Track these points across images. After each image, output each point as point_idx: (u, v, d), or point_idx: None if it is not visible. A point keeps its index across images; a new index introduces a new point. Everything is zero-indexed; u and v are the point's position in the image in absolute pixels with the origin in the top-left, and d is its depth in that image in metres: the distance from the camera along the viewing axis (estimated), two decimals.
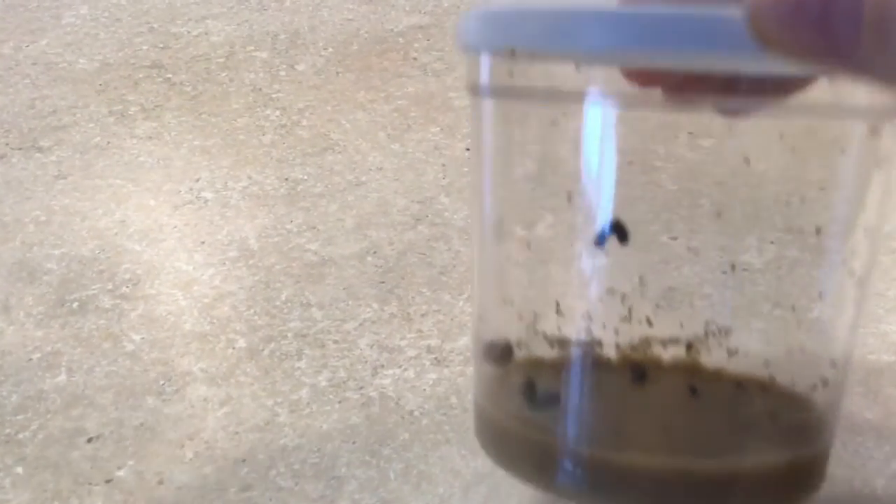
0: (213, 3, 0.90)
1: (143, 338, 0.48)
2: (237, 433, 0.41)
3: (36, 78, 0.76)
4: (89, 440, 0.41)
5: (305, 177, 0.62)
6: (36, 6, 0.91)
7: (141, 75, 0.77)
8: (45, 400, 0.44)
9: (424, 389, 0.44)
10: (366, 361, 0.46)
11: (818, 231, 0.29)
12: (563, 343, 0.32)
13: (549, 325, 0.32)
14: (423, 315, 0.49)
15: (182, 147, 0.66)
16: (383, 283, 0.51)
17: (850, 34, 0.20)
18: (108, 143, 0.67)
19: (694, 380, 0.31)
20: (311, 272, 0.52)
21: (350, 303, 0.50)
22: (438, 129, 0.67)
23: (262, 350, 0.46)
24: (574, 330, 0.32)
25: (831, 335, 0.31)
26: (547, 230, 0.33)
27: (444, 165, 0.62)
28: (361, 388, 0.44)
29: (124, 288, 0.51)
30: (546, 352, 0.32)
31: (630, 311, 0.31)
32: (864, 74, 0.21)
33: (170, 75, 0.76)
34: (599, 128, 0.28)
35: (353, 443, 0.40)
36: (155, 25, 0.86)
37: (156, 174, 0.63)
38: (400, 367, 0.45)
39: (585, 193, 0.30)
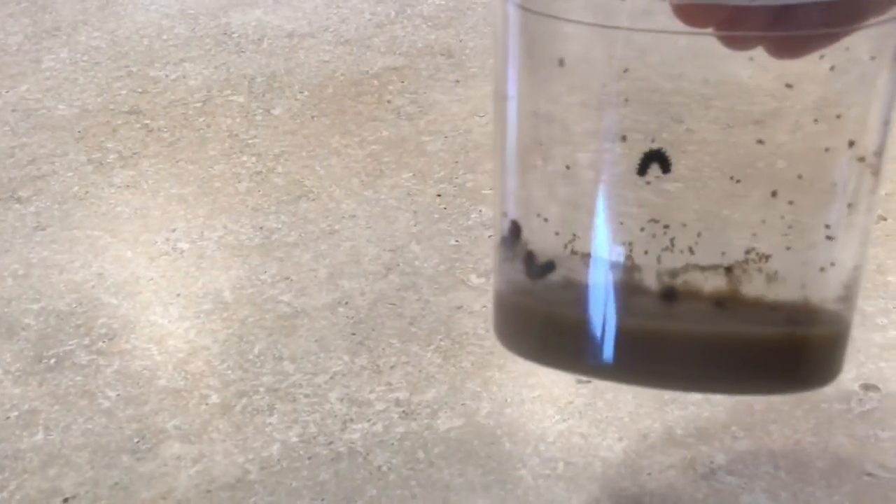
0: (191, 45, 0.92)
1: (118, 394, 0.49)
2: (209, 491, 0.42)
3: (15, 125, 0.78)
4: (65, 500, 0.42)
5: (280, 225, 0.63)
6: (16, 50, 0.92)
7: (119, 121, 0.78)
8: (22, 459, 0.45)
9: (392, 444, 0.45)
10: (336, 416, 0.47)
11: (851, 144, 0.30)
12: (598, 262, 0.32)
13: (586, 246, 0.32)
14: (392, 367, 0.50)
15: (159, 196, 0.67)
16: (354, 334, 0.53)
17: None
18: (87, 192, 0.68)
19: (723, 298, 0.32)
20: (283, 324, 0.54)
21: (321, 355, 0.51)
22: (411, 174, 0.69)
23: (235, 406, 0.48)
24: (613, 253, 0.32)
25: (857, 245, 0.32)
26: (587, 154, 0.33)
27: (415, 213, 0.64)
28: (331, 443, 0.45)
29: (101, 343, 0.53)
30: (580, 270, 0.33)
31: (672, 240, 0.32)
32: None
33: (148, 121, 0.78)
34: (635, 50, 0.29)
35: (322, 500, 0.42)
36: (133, 69, 0.87)
37: (133, 224, 0.64)
38: (369, 420, 0.46)
39: (621, 118, 0.31)
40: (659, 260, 0.32)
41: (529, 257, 0.33)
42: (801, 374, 0.32)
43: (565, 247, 0.33)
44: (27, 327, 0.54)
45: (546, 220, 0.33)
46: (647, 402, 0.47)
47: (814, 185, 0.32)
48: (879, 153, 0.31)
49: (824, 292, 0.32)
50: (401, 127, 0.75)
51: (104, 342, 0.53)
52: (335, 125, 0.76)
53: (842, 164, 0.31)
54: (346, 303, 0.55)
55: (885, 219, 0.60)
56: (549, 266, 0.33)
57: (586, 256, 0.32)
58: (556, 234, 0.33)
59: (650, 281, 0.32)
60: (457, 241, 0.61)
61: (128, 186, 0.68)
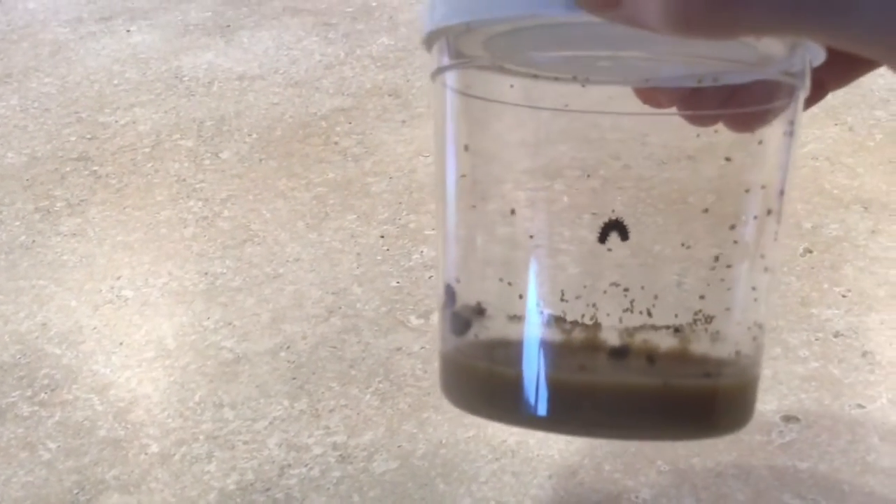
0: (141, 89, 0.93)
1: (58, 446, 0.49)
2: None
3: None
4: None
5: (224, 270, 0.64)
6: None
7: (68, 168, 0.79)
8: None
9: (328, 488, 0.46)
10: (273, 462, 0.48)
11: (769, 212, 0.32)
12: (560, 321, 0.34)
13: (552, 308, 0.34)
14: (330, 411, 0.51)
15: (105, 243, 0.68)
16: (295, 378, 0.54)
17: None
18: (33, 241, 0.68)
19: (653, 354, 0.34)
20: (225, 370, 0.54)
21: (261, 401, 0.52)
22: (355, 216, 0.70)
23: (174, 454, 0.48)
24: (573, 313, 0.34)
25: (768, 301, 0.35)
26: (549, 220, 0.35)
27: (358, 255, 0.65)
28: (268, 489, 0.46)
29: (42, 394, 0.53)
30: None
31: (632, 303, 0.34)
32: (642, 27, 0.22)
33: (96, 167, 0.79)
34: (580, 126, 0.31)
35: None
36: (83, 115, 0.88)
37: (78, 273, 0.65)
38: (306, 465, 0.47)
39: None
40: (620, 320, 0.34)
41: (455, 317, 0.35)
42: (718, 420, 0.34)
43: (506, 308, 0.35)
44: None
45: (488, 280, 0.35)
46: (576, 439, 0.48)
47: (746, 246, 0.34)
48: (780, 212, 0.33)
49: (746, 347, 0.35)
50: (347, 168, 0.77)
51: (46, 393, 0.53)
52: (282, 168, 0.77)
53: (759, 218, 0.33)
54: (288, 347, 0.56)
55: (810, 251, 0.62)
56: (468, 323, 0.34)
57: (521, 318, 0.34)
58: (491, 291, 0.35)
59: (608, 340, 0.34)
60: (398, 282, 0.62)
61: (74, 234, 0.69)
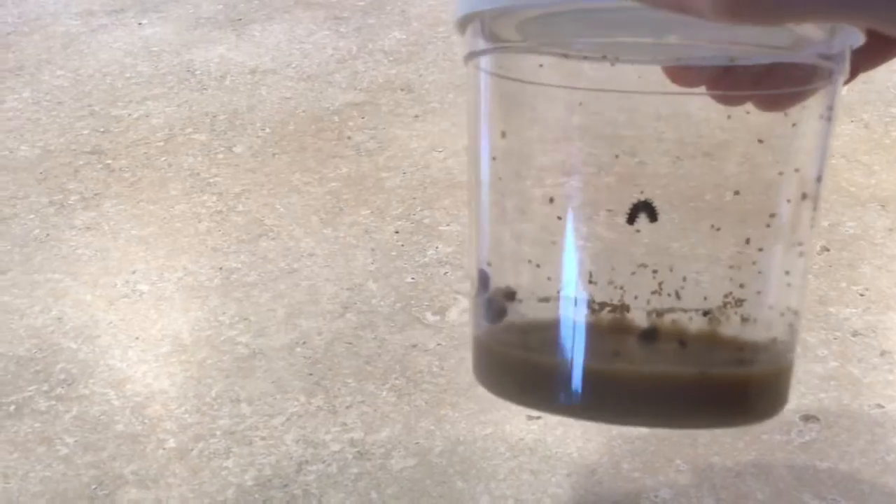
0: (153, 83, 0.93)
1: (76, 440, 0.49)
2: None
3: None
4: None
5: (239, 265, 0.64)
6: None
7: (81, 162, 0.79)
8: None
9: (346, 485, 0.46)
10: (291, 458, 0.48)
11: (804, 196, 0.32)
12: (590, 303, 0.34)
13: (582, 289, 0.34)
14: (347, 407, 0.51)
15: (120, 237, 0.68)
16: (311, 374, 0.54)
17: None
18: (48, 234, 0.68)
19: (686, 338, 0.34)
20: (241, 366, 0.54)
21: (278, 397, 0.52)
22: (369, 211, 0.70)
23: (192, 450, 0.48)
24: (602, 295, 0.34)
25: (803, 287, 0.35)
26: (577, 204, 0.35)
27: (373, 250, 0.65)
28: (286, 485, 0.46)
29: (59, 389, 0.53)
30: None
31: (660, 285, 0.34)
32: (690, 12, 0.22)
33: (110, 161, 0.78)
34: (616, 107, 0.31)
35: None
36: (96, 108, 0.88)
37: (93, 267, 0.64)
38: (324, 462, 0.47)
39: (606, 172, 0.33)
40: (648, 302, 0.34)
41: (490, 303, 0.35)
42: (753, 407, 0.34)
43: (537, 290, 0.35)
44: None
45: (520, 263, 0.35)
46: (594, 437, 0.48)
47: (779, 230, 0.34)
48: (817, 197, 0.33)
49: (781, 333, 0.34)
50: (360, 163, 0.77)
51: (63, 388, 0.53)
52: (296, 162, 0.77)
53: (793, 203, 0.33)
54: (304, 343, 0.56)
55: (827, 249, 0.62)
56: (503, 310, 0.34)
57: (549, 300, 0.34)
58: (522, 273, 0.35)
59: (636, 321, 0.34)
60: (413, 278, 0.62)
61: (89, 228, 0.69)
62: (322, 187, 0.73)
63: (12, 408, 0.52)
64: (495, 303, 0.34)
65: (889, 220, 0.65)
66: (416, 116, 0.84)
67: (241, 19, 1.09)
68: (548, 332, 0.35)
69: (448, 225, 0.67)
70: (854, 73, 0.33)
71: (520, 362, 0.34)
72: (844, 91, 0.35)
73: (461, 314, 0.58)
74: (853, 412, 0.49)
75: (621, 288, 0.34)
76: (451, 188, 0.72)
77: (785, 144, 0.34)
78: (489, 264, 0.35)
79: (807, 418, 0.49)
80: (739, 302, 0.34)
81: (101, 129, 0.84)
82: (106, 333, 0.58)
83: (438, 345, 0.56)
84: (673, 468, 0.46)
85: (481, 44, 0.32)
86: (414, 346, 0.56)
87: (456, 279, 0.61)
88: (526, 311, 0.35)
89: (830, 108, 0.32)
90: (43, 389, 0.53)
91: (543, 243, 0.35)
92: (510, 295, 0.36)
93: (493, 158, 0.35)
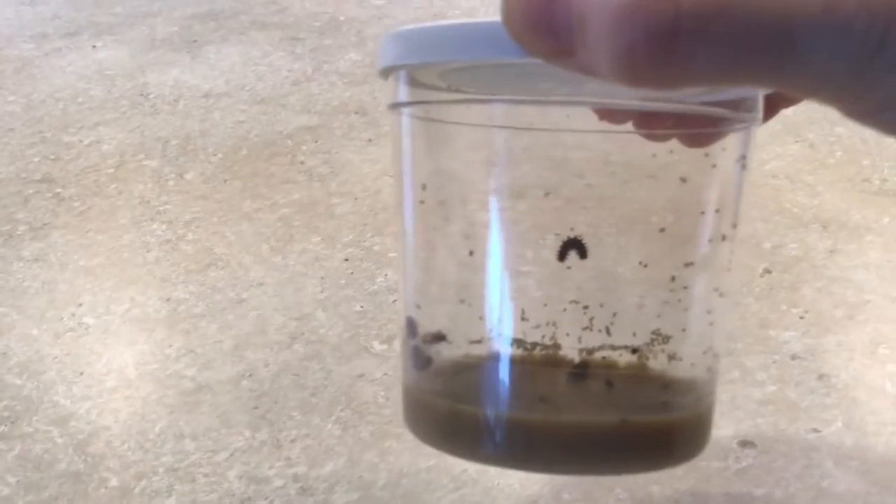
0: (106, 107, 0.92)
1: (18, 480, 0.49)
2: None
3: None
4: None
5: (187, 296, 0.64)
6: None
7: (31, 190, 0.78)
8: None
9: None
10: (234, 495, 0.48)
11: (723, 238, 0.33)
12: (520, 343, 0.34)
13: (513, 328, 0.34)
14: (292, 441, 0.51)
15: (67, 269, 0.67)
16: (256, 408, 0.54)
17: (567, 36, 0.22)
18: None
19: (612, 377, 0.34)
20: (186, 400, 0.54)
21: (223, 431, 0.52)
22: (320, 238, 0.70)
23: (134, 488, 0.48)
24: (534, 334, 0.34)
25: (723, 328, 0.35)
26: (500, 241, 0.35)
27: (322, 278, 0.65)
28: None
29: (2, 427, 0.53)
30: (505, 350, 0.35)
31: (591, 321, 0.34)
32: (594, 76, 0.23)
33: (59, 189, 0.78)
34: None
35: None
36: (47, 135, 0.87)
37: (40, 300, 0.64)
38: (266, 498, 0.47)
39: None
40: (580, 339, 0.34)
41: (416, 350, 0.35)
42: (675, 452, 0.35)
43: (469, 332, 0.35)
44: None
45: (449, 305, 0.36)
46: None
47: (702, 269, 0.34)
48: (734, 240, 0.34)
49: (703, 373, 0.35)
50: (312, 189, 0.77)
51: (6, 426, 0.53)
52: (247, 188, 0.77)
53: (714, 243, 0.34)
54: (250, 375, 0.56)
55: (769, 272, 0.63)
56: (429, 359, 0.35)
57: (481, 341, 0.35)
58: (451, 315, 0.35)
59: (567, 358, 0.34)
60: (362, 306, 0.62)
61: (36, 260, 0.69)
62: (273, 214, 0.74)
63: None
64: (421, 350, 0.35)
65: (830, 241, 0.66)
66: (370, 140, 0.84)
67: (196, 41, 1.09)
68: (475, 376, 0.35)
69: (396, 253, 0.68)
70: (773, 112, 0.34)
71: (445, 411, 0.34)
72: (790, 112, 0.36)
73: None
74: (790, 437, 0.50)
75: (553, 324, 0.34)
76: None
77: (706, 184, 0.34)
78: (418, 307, 0.36)
79: (744, 444, 0.50)
80: (666, 339, 0.34)
81: (52, 157, 0.83)
82: (51, 369, 0.57)
83: (385, 374, 0.56)
84: (613, 497, 0.47)
85: (404, 91, 0.33)
86: (361, 375, 0.56)
87: None
88: (456, 353, 0.35)
89: (745, 157, 0.33)
90: None
91: (473, 284, 0.35)
92: (439, 337, 0.36)
93: (420, 202, 0.35)
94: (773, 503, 0.46)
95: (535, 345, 0.34)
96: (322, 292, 0.64)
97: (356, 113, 0.90)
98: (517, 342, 0.34)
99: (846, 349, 0.56)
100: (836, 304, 0.60)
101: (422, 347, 0.35)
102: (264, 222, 0.72)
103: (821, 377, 0.54)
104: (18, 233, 0.72)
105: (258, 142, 0.85)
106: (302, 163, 0.81)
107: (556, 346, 0.35)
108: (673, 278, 0.34)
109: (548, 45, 0.23)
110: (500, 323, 0.35)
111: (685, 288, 0.34)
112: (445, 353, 0.35)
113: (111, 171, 0.81)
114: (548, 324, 0.34)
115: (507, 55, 0.26)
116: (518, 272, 0.35)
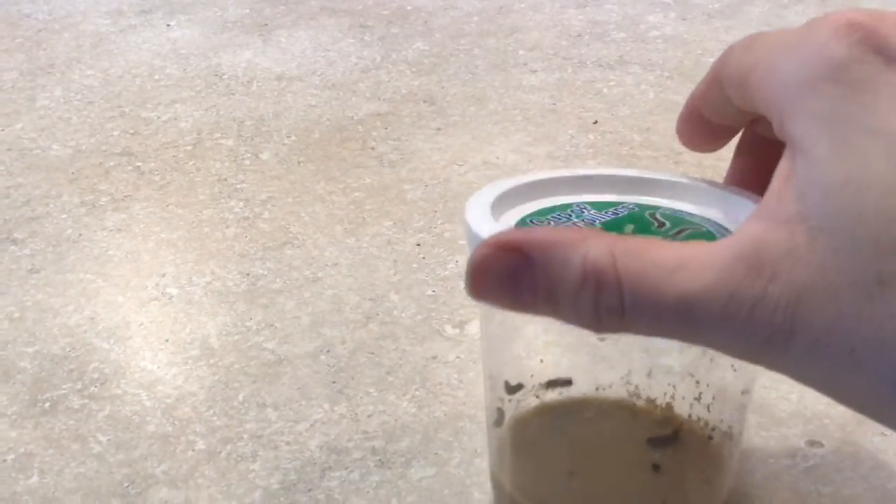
0: (182, 86, 0.95)
1: (109, 439, 0.52)
2: None
3: (10, 165, 0.80)
4: None
5: (265, 272, 0.66)
6: (10, 87, 0.95)
7: (112, 163, 0.81)
8: (18, 502, 0.47)
9: (368, 492, 0.48)
10: (315, 463, 0.50)
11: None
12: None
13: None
14: (369, 416, 0.53)
15: (150, 240, 0.70)
16: (335, 382, 0.56)
17: (527, 290, 0.27)
18: (80, 235, 0.71)
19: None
20: (267, 371, 0.56)
21: (303, 403, 0.54)
22: (391, 222, 0.72)
23: (220, 452, 0.50)
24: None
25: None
26: None
27: (395, 262, 0.67)
28: (310, 490, 0.48)
29: (93, 388, 0.55)
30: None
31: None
32: (560, 319, 0.28)
33: (139, 163, 0.81)
34: None
35: None
36: (126, 109, 0.90)
37: (124, 269, 0.67)
38: (346, 468, 0.49)
39: None
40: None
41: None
42: None
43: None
44: (23, 371, 0.57)
45: None
46: None
47: None
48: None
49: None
50: (383, 174, 0.79)
51: (96, 387, 0.55)
52: (320, 171, 0.79)
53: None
54: (328, 351, 0.58)
55: None
56: None
57: None
58: None
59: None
60: (433, 291, 0.64)
61: (119, 230, 0.71)
62: (346, 197, 0.76)
63: (47, 405, 0.54)
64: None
65: None
66: (438, 129, 0.86)
67: (266, 24, 1.11)
68: None
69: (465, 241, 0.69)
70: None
71: None
72: None
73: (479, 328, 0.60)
74: (857, 439, 0.51)
75: None
76: None
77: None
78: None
79: (812, 443, 0.51)
80: None
81: (131, 131, 0.86)
82: (137, 335, 0.60)
83: (457, 357, 0.58)
84: None
85: None
86: (434, 357, 0.58)
87: None
88: None
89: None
90: (77, 388, 0.55)
91: None
92: None
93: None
94: (840, 501, 0.47)
95: None
96: (395, 275, 0.66)
97: (424, 102, 0.92)
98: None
99: None
100: None
101: None
102: (337, 205, 0.74)
103: None
104: (101, 203, 0.75)
105: (330, 126, 0.87)
106: (373, 148, 0.83)
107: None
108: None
109: (511, 299, 0.28)
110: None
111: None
112: None
113: (189, 147, 0.83)
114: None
115: None
116: None
